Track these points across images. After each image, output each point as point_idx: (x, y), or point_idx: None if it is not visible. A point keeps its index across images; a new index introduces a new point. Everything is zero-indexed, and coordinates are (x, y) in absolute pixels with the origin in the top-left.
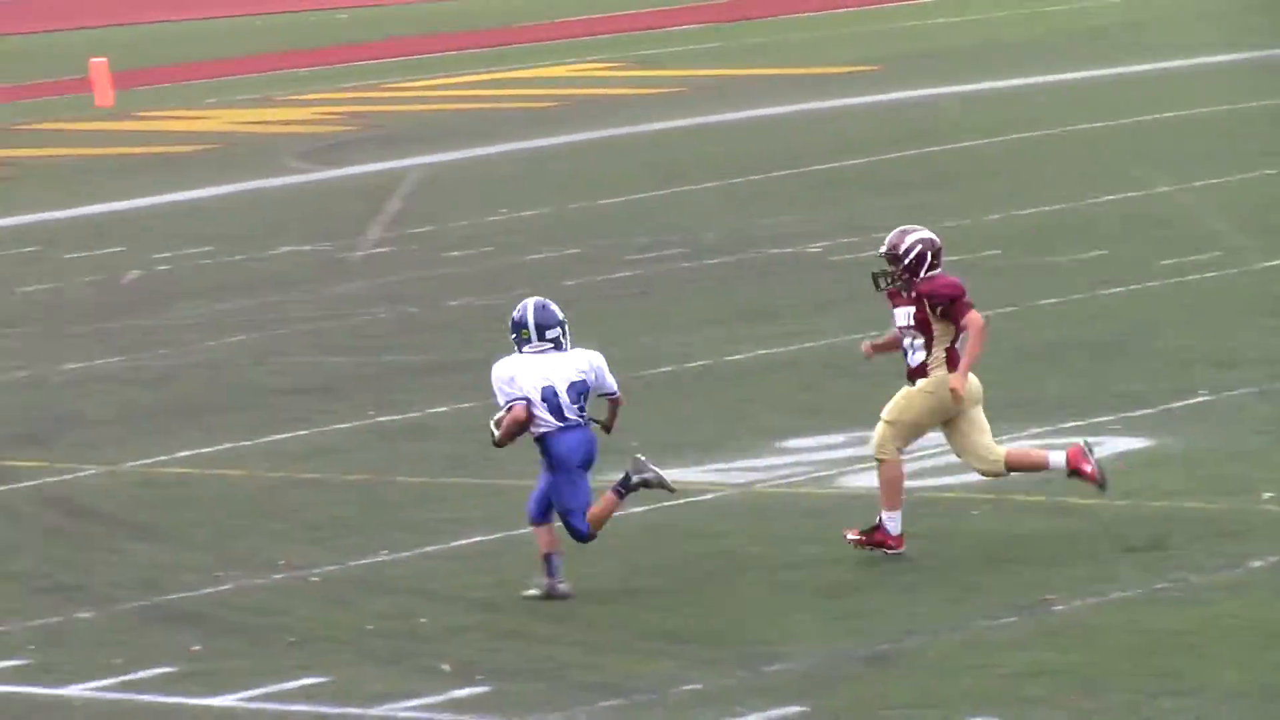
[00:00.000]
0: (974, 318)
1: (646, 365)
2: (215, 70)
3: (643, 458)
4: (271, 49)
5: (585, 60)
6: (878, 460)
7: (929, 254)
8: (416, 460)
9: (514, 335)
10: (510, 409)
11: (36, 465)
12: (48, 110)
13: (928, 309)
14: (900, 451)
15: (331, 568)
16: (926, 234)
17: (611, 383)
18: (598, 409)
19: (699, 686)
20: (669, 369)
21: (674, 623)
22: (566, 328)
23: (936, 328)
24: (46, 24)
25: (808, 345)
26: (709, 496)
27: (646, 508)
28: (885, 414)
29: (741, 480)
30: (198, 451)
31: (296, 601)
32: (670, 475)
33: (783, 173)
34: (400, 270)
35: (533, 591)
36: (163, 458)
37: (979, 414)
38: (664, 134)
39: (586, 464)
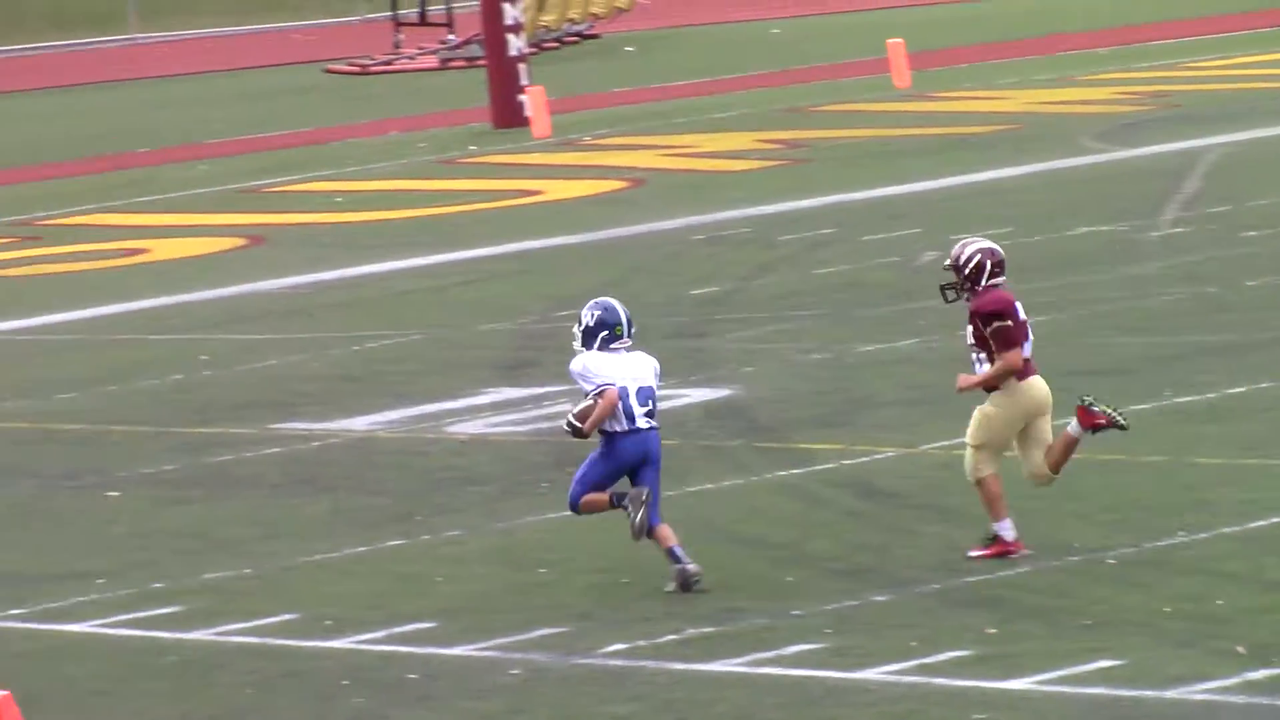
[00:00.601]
0: (1008, 357)
1: None
2: (1012, 51)
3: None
4: (1068, 30)
5: None
6: (976, 482)
7: (988, 263)
8: (1213, 441)
9: (604, 333)
10: (603, 392)
11: (833, 448)
12: (846, 92)
13: (980, 325)
14: (996, 466)
15: (1127, 550)
16: (987, 244)
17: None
18: None
19: None
20: None
21: None
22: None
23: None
24: (846, 5)
25: None
26: None
27: None
28: (970, 438)
29: None
30: None
31: (1091, 584)
32: None
33: None
34: (1198, 250)
35: (670, 587)
36: (960, 440)
37: (1045, 425)
38: None
39: (649, 462)
